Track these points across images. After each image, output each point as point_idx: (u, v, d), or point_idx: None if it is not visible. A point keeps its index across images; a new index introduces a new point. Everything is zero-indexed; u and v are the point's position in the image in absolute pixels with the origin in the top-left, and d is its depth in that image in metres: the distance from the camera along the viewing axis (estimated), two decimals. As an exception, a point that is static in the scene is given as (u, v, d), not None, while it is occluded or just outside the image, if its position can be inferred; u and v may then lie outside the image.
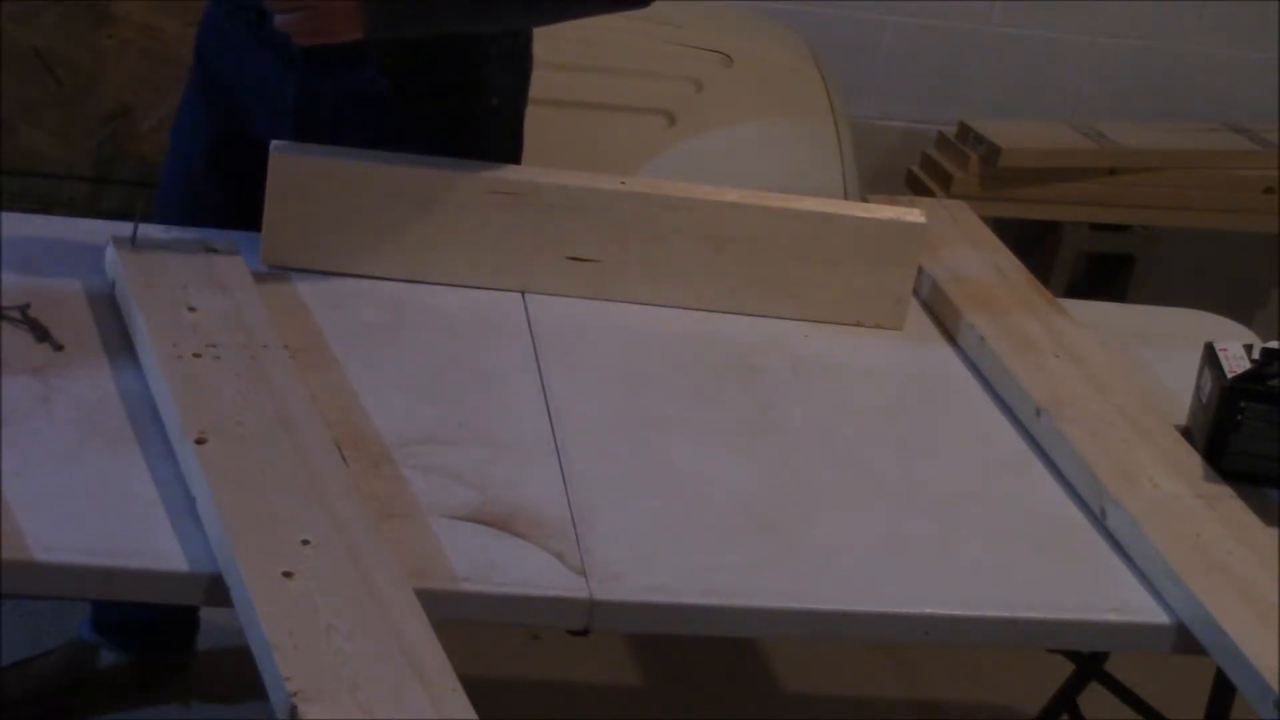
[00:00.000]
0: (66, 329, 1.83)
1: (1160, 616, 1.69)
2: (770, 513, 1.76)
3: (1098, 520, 1.82)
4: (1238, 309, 2.93)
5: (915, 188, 3.46)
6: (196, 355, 1.74)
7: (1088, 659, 2.40)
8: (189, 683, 2.45)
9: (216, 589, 1.49)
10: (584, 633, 1.60)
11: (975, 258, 2.33)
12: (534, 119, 2.21)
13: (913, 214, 2.16)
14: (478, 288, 2.07)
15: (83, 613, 2.50)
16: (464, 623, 1.59)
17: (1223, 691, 2.12)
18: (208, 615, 2.41)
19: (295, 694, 1.33)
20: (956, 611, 1.66)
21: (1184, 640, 1.67)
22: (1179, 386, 2.08)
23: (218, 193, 2.15)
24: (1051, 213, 3.47)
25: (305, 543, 1.50)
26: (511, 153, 2.17)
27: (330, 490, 1.57)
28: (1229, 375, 1.93)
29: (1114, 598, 1.71)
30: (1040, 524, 1.82)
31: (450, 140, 2.07)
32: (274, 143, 2.00)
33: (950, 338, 2.18)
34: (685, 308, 2.12)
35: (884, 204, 2.24)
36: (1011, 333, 2.13)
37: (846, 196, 2.80)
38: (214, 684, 2.46)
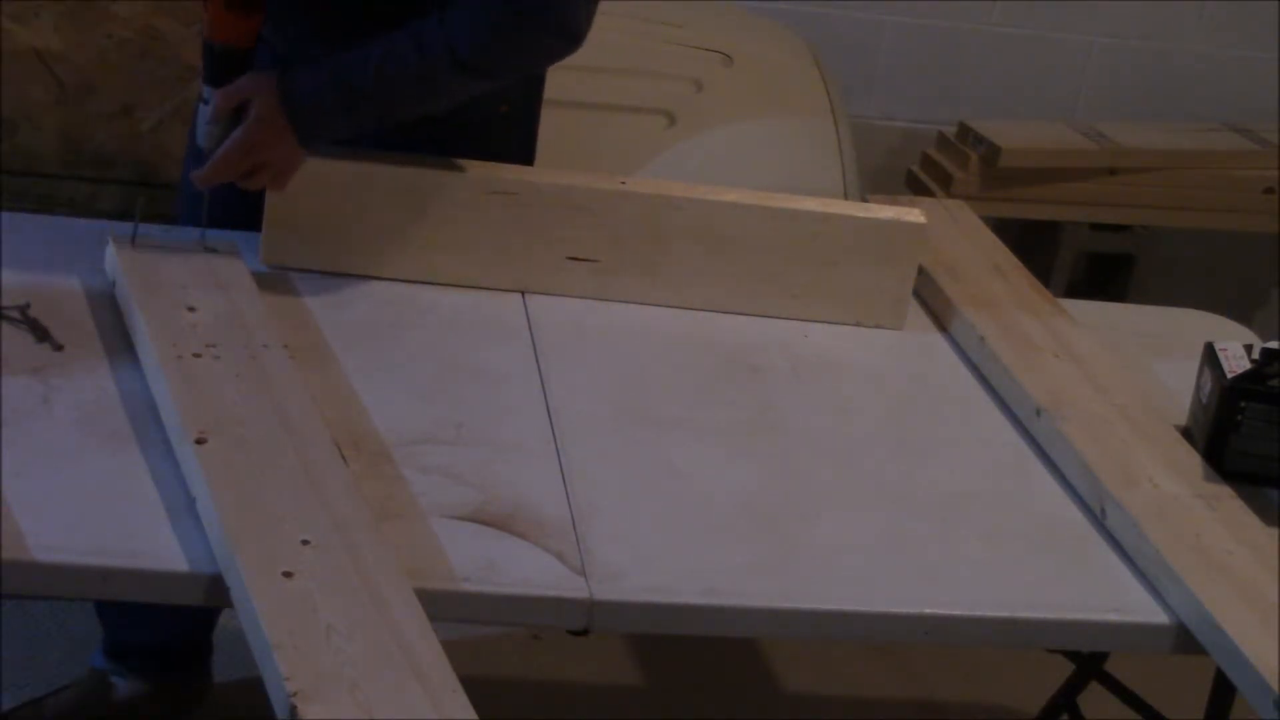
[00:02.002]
0: (66, 329, 1.83)
1: (1160, 616, 1.69)
2: (770, 513, 1.76)
3: (1098, 520, 1.82)
4: (1238, 309, 2.93)
5: (915, 188, 3.46)
6: (196, 355, 1.74)
7: (1088, 659, 2.40)
8: (207, 711, 2.43)
9: (216, 589, 1.49)
10: (584, 633, 1.60)
11: (975, 258, 2.33)
12: (534, 119, 2.21)
13: (913, 214, 2.16)
14: (478, 288, 2.07)
15: (83, 612, 2.50)
16: (464, 623, 1.59)
17: (1223, 691, 2.11)
18: (224, 644, 2.42)
19: (295, 694, 1.33)
20: (956, 611, 1.66)
21: (1184, 640, 1.67)
22: (1179, 386, 2.08)
23: (235, 191, 2.14)
24: (1051, 213, 3.47)
25: (305, 543, 1.50)
26: (523, 160, 2.16)
27: (330, 490, 1.57)
28: (1229, 375, 1.93)
29: (1114, 598, 1.71)
30: (1040, 524, 1.82)
31: (460, 146, 2.06)
32: (274, 142, 2.00)
33: (950, 337, 2.18)
34: (685, 308, 2.12)
35: (884, 204, 2.24)
36: (1011, 333, 2.13)
37: (846, 196, 2.79)
38: (232, 712, 2.44)
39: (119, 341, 1.82)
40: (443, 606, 1.51)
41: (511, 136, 2.14)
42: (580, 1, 1.88)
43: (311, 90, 1.89)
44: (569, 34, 1.90)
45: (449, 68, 1.88)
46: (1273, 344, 1.97)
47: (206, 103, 1.91)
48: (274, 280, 1.99)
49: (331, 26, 1.98)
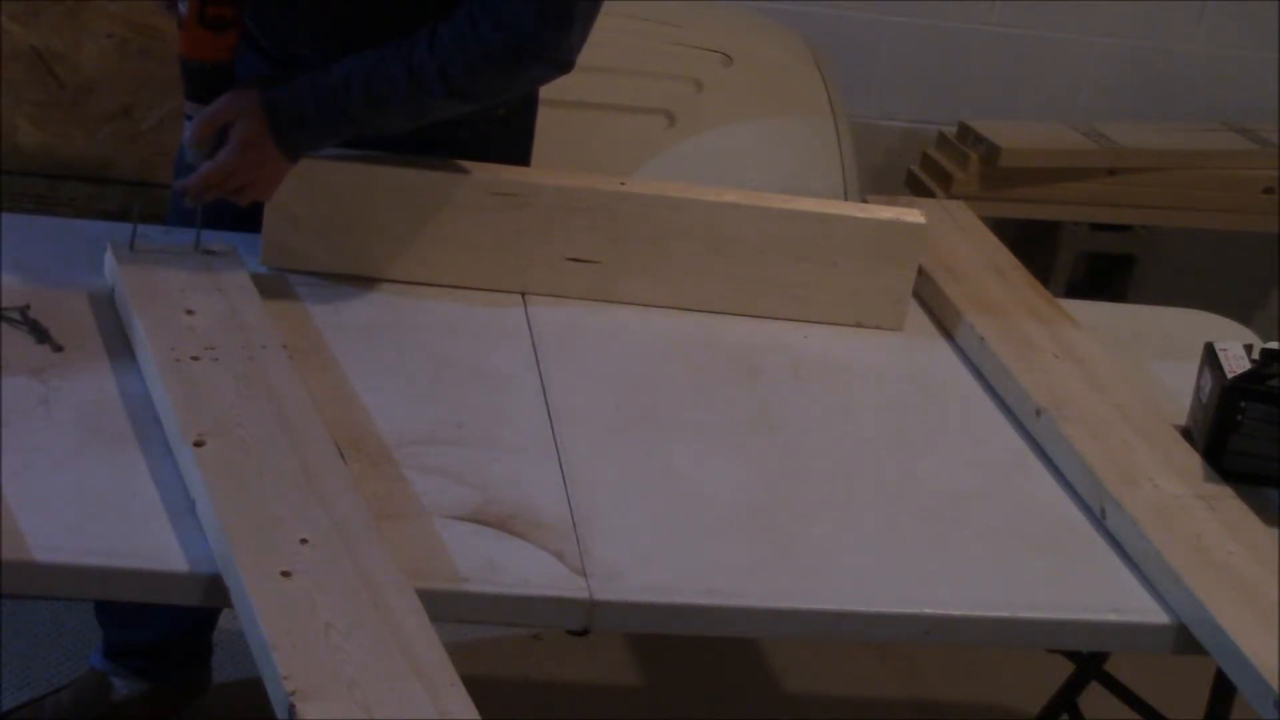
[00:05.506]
0: (66, 330, 1.83)
1: (1160, 616, 1.69)
2: (770, 513, 1.76)
3: (1098, 520, 1.82)
4: (1238, 309, 2.92)
5: (915, 188, 3.46)
6: (195, 358, 1.74)
7: (1088, 659, 2.40)
8: (206, 711, 2.42)
9: (216, 589, 1.49)
10: (584, 633, 1.60)
11: (975, 258, 2.33)
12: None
13: (913, 214, 2.16)
14: (478, 289, 2.07)
15: (83, 612, 2.49)
16: (464, 623, 1.59)
17: (1223, 691, 2.11)
18: (224, 644, 2.41)
19: (293, 693, 1.33)
20: (956, 611, 1.66)
21: (1184, 640, 1.67)
22: (1179, 386, 2.08)
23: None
24: (1051, 213, 3.47)
25: (304, 542, 1.50)
26: (519, 162, 2.16)
27: (329, 490, 1.57)
28: (1229, 375, 1.93)
29: (1114, 598, 1.71)
30: (1040, 524, 1.82)
31: (457, 148, 2.06)
32: (273, 143, 2.00)
33: (950, 338, 2.18)
34: (685, 308, 2.12)
35: (884, 204, 2.24)
36: (1011, 333, 2.13)
37: (846, 196, 2.79)
38: (232, 712, 2.44)
39: (119, 342, 1.82)
40: (443, 606, 1.51)
41: (508, 139, 2.14)
42: (575, 33, 1.89)
43: (297, 110, 1.89)
44: (561, 63, 1.91)
45: (439, 91, 1.89)
46: (1273, 344, 1.97)
47: (190, 118, 1.91)
48: (273, 282, 1.99)
49: (329, 35, 1.97)
